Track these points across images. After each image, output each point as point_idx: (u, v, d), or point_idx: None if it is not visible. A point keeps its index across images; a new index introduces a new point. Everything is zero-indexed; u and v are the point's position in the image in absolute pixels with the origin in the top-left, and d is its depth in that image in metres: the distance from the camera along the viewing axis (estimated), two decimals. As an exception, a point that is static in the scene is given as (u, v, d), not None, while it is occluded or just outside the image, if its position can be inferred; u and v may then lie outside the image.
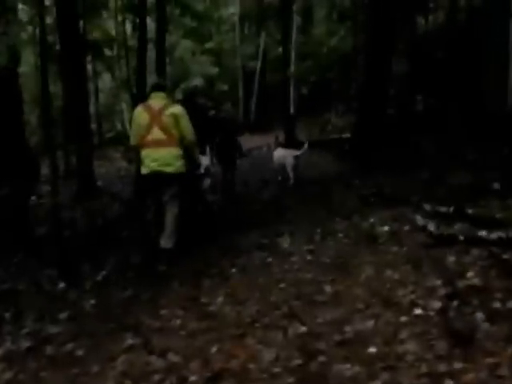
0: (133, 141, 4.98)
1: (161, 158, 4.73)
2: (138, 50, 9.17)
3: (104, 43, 15.94)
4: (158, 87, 5.03)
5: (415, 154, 8.47)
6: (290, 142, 15.29)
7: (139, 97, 8.65)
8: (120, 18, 16.38)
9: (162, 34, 11.49)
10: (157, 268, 4.98)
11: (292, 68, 18.13)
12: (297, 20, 18.01)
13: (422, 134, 9.25)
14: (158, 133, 4.73)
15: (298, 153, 9.15)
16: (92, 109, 25.88)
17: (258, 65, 24.64)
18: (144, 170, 4.86)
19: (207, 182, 7.22)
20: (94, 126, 25.09)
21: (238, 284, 4.20)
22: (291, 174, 8.92)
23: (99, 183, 10.72)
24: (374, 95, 9.43)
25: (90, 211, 7.90)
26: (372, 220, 5.32)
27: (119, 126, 22.40)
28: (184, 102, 6.13)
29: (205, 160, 6.81)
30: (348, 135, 14.67)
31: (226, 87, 25.09)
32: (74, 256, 5.62)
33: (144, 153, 4.81)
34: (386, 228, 4.96)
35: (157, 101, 4.86)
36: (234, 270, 4.60)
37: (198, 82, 22.21)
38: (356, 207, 6.15)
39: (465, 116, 8.72)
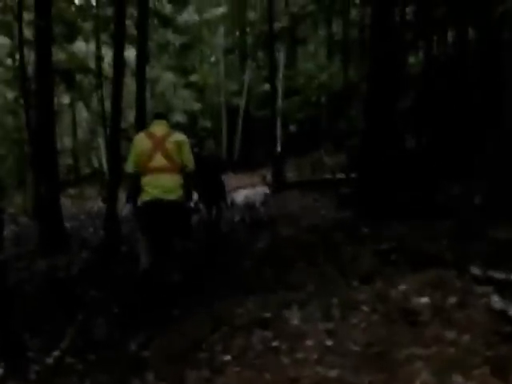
0: (130, 168, 4.79)
1: (163, 184, 4.63)
2: (113, 80, 8.08)
3: (78, 72, 14.69)
4: (159, 116, 5.02)
5: (434, 198, 7.44)
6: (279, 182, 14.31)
7: (114, 132, 7.56)
8: (95, 44, 15.24)
9: (143, 64, 10.52)
10: (127, 347, 4.01)
11: (279, 104, 17.28)
12: (283, 54, 17.26)
13: (438, 173, 8.27)
14: (161, 159, 4.64)
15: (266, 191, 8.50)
16: (68, 143, 25.02)
17: (243, 101, 24.00)
18: (144, 198, 4.68)
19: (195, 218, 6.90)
20: (69, 161, 24.19)
21: (234, 382, 3.03)
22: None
23: (68, 226, 9.52)
24: (380, 130, 8.44)
25: (51, 264, 6.68)
26: (403, 287, 4.18)
27: (96, 163, 21.25)
28: None
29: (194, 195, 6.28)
30: (342, 175, 13.76)
31: (209, 124, 24.24)
32: (19, 329, 4.39)
33: (145, 180, 4.68)
34: (426, 300, 3.83)
35: (159, 128, 4.80)
36: (227, 356, 3.43)
37: (180, 117, 21.32)
38: (374, 266, 5.03)
39: (484, 152, 7.74)
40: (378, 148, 8.34)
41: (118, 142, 7.54)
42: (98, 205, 14.68)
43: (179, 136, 4.83)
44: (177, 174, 4.70)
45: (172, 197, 4.66)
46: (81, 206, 14.21)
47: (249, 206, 10.90)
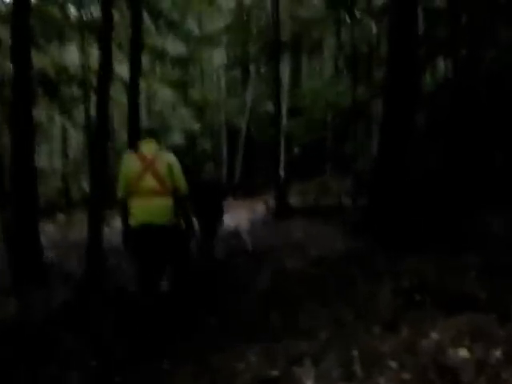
0: (120, 192, 4.64)
1: (153, 208, 4.51)
2: (98, 90, 7.39)
3: (62, 82, 13.91)
4: (149, 133, 4.82)
5: (459, 226, 6.91)
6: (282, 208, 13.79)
7: (98, 149, 7.00)
8: (81, 50, 14.45)
9: (136, 74, 10.11)
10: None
11: (283, 124, 16.88)
12: (288, 70, 16.89)
13: (464, 198, 7.76)
14: (151, 181, 4.51)
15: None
16: (57, 165, 24.52)
17: (244, 121, 23.52)
18: (133, 222, 4.53)
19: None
20: (59, 184, 23.67)
21: None
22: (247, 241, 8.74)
23: (50, 256, 8.90)
24: (397, 151, 7.97)
25: (23, 304, 6.05)
26: (434, 336, 3.65)
27: (87, 187, 20.69)
28: None
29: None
30: (349, 201, 13.27)
31: (208, 145, 23.77)
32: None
33: (134, 203, 4.53)
34: (465, 353, 3.30)
35: (149, 148, 4.65)
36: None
37: (177, 138, 20.85)
38: (397, 308, 4.48)
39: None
40: (395, 170, 7.86)
41: (102, 160, 6.93)
42: (84, 233, 14.14)
43: (170, 157, 4.68)
44: (168, 197, 4.56)
45: (162, 221, 4.52)
46: (68, 234, 13.58)
47: (249, 233, 10.33)
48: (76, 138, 22.93)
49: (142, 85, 24.13)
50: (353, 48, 16.25)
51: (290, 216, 13.07)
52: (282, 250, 8.46)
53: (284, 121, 18.05)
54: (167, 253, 4.66)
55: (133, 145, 8.07)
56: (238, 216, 14.68)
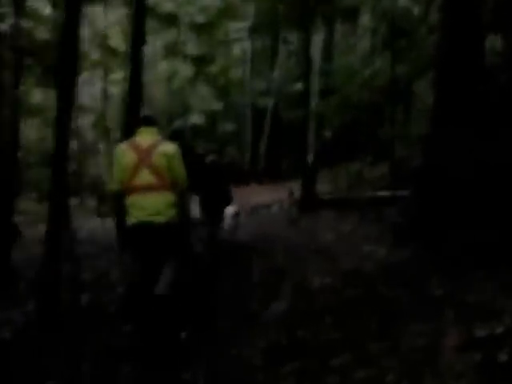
0: (113, 186, 4.36)
1: (150, 205, 4.20)
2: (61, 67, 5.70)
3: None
4: (147, 120, 4.48)
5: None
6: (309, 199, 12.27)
7: (61, 131, 5.51)
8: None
9: (139, 43, 8.73)
10: None
11: (313, 105, 15.28)
12: (321, 45, 15.24)
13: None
14: (147, 176, 4.21)
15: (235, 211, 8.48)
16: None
17: (271, 102, 21.99)
18: (129, 221, 4.24)
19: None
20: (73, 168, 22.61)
21: None
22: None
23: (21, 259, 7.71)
24: (451, 142, 6.40)
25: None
26: None
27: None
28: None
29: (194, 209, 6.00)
30: (386, 193, 11.64)
31: (231, 127, 22.18)
32: None
33: (129, 200, 4.24)
34: None
35: (146, 137, 4.37)
36: None
37: (197, 119, 19.41)
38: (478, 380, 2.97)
39: None
40: (453, 160, 6.28)
41: (63, 143, 5.33)
42: (91, 224, 12.86)
43: (168, 147, 4.34)
44: (166, 192, 4.28)
45: (161, 219, 4.22)
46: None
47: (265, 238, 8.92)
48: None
49: (162, 63, 23.24)
50: (392, 20, 14.48)
51: (318, 209, 11.57)
52: (306, 256, 7.02)
53: (314, 101, 16.43)
54: (165, 255, 4.30)
55: (130, 126, 7.17)
56: (266, 208, 13.38)
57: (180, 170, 4.35)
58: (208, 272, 6.63)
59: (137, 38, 9.26)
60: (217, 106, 20.92)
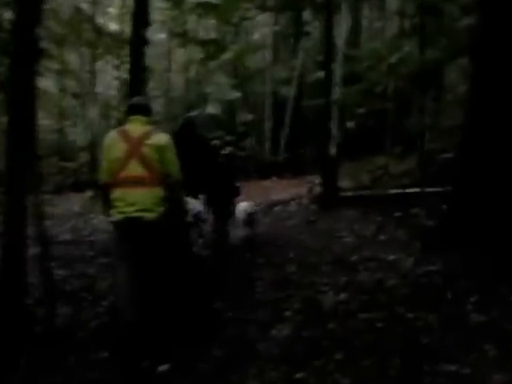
0: (105, 177, 4.07)
1: (139, 200, 3.93)
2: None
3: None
4: (138, 108, 4.24)
5: None
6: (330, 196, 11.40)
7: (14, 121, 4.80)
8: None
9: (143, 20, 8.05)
10: None
11: (336, 93, 14.36)
12: (345, 28, 14.26)
13: None
14: (136, 168, 3.95)
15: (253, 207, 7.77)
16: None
17: (292, 91, 20.96)
18: (115, 217, 3.97)
19: (197, 233, 5.63)
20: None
21: None
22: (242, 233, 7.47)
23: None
24: (492, 133, 5.52)
25: None
26: None
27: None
28: (179, 135, 5.90)
29: (195, 204, 5.57)
30: (414, 190, 10.73)
31: (249, 117, 21.28)
32: None
33: (116, 194, 3.97)
34: None
35: (136, 126, 4.12)
36: None
37: (214, 108, 18.63)
38: None
39: None
40: (494, 155, 5.41)
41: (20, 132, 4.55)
42: (91, 221, 12.19)
43: (160, 137, 4.11)
44: (156, 186, 4.04)
45: (150, 216, 3.97)
46: (62, 223, 11.67)
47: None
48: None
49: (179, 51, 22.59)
50: (421, 0, 13.45)
51: (338, 207, 10.72)
52: (320, 265, 6.20)
53: (337, 89, 15.48)
54: (154, 259, 3.99)
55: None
56: (283, 206, 12.56)
57: (172, 162, 4.12)
58: (209, 283, 5.85)
59: (138, 18, 8.56)
60: (235, 95, 20.05)
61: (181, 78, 22.67)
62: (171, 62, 22.91)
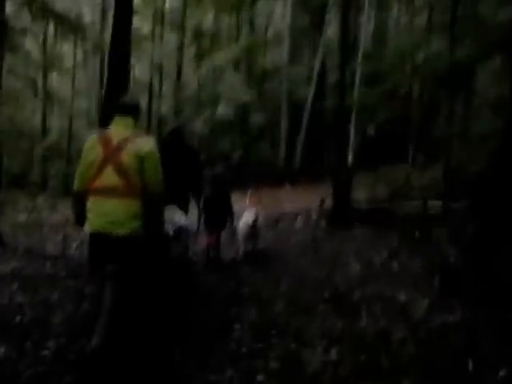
0: (78, 185, 3.94)
1: (110, 212, 3.76)
2: None
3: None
4: (126, 108, 4.02)
5: None
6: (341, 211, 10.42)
7: None
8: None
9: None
10: None
11: (355, 95, 13.41)
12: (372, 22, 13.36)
13: None
14: (111, 176, 3.76)
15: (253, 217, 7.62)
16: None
17: (311, 92, 20.13)
18: (87, 228, 3.87)
19: (179, 248, 5.45)
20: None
21: None
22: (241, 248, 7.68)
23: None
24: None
25: None
26: None
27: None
28: (167, 142, 5.96)
29: (179, 218, 5.33)
30: (438, 205, 9.74)
31: (262, 119, 20.42)
32: None
33: (89, 204, 3.84)
34: None
35: (119, 129, 3.92)
36: None
37: (224, 109, 17.82)
38: None
39: None
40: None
41: None
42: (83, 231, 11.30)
43: (143, 144, 3.84)
44: (134, 198, 3.80)
45: (122, 231, 3.72)
46: (57, 232, 10.86)
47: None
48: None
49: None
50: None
51: (351, 223, 9.75)
52: (316, 304, 5.23)
53: (357, 90, 14.55)
54: (126, 278, 3.77)
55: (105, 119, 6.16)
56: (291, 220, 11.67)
57: (154, 173, 3.88)
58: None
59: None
60: (247, 95, 19.21)
61: (194, 75, 21.93)
62: (183, 58, 22.15)
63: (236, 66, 19.98)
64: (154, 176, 3.87)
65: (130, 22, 7.86)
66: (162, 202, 4.11)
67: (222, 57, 18.41)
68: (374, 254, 7.42)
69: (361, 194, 12.13)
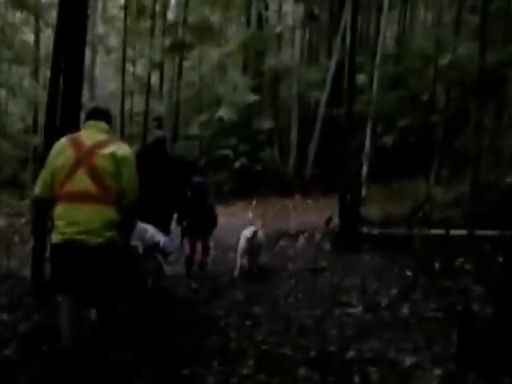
0: (40, 190, 3.81)
1: (83, 220, 3.64)
2: None
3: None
4: (96, 113, 4.04)
5: None
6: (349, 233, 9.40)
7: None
8: None
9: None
10: None
11: (373, 99, 12.46)
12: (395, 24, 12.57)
13: None
14: (83, 181, 3.68)
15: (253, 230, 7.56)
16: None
17: (325, 96, 19.36)
18: (55, 238, 3.69)
19: (152, 264, 5.30)
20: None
21: None
22: (238, 264, 7.52)
23: None
24: None
25: None
26: None
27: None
28: (148, 153, 6.16)
29: (154, 234, 5.23)
30: (464, 232, 8.71)
31: (269, 124, 19.67)
32: None
33: (57, 211, 3.71)
34: None
35: (91, 133, 3.90)
36: None
37: (225, 112, 17.07)
38: None
39: None
40: None
41: None
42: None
43: (118, 148, 3.80)
44: (108, 205, 3.72)
45: (96, 240, 3.62)
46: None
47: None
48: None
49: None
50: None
51: (358, 247, 8.77)
52: (296, 361, 4.24)
53: (374, 96, 13.61)
54: (100, 292, 3.72)
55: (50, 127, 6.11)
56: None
57: (130, 178, 3.83)
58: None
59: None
60: (252, 97, 18.52)
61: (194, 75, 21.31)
62: (184, 56, 21.52)
63: (242, 65, 19.25)
64: (129, 182, 3.80)
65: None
66: (136, 212, 4.02)
67: (223, 51, 17.79)
68: (381, 289, 6.40)
69: (373, 211, 11.13)
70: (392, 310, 5.55)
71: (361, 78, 15.38)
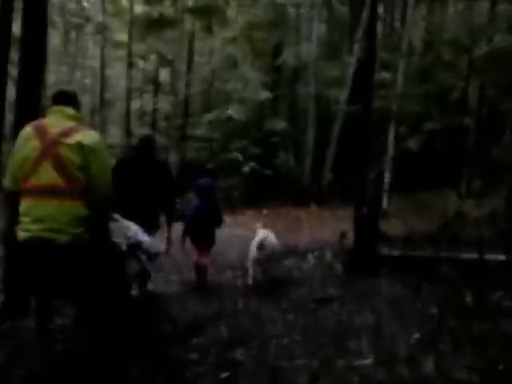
0: (9, 183, 3.86)
1: (49, 216, 3.64)
2: None
3: None
4: (64, 97, 3.99)
5: None
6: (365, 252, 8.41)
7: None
8: None
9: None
10: None
11: (397, 95, 11.60)
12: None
13: None
14: (48, 173, 3.66)
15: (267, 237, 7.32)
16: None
17: (345, 94, 18.84)
18: (20, 235, 3.70)
19: (136, 266, 5.23)
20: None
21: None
22: (250, 274, 7.30)
23: None
24: None
25: None
26: None
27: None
28: (137, 154, 6.36)
29: (137, 232, 5.15)
30: (501, 256, 7.73)
31: (283, 125, 19.10)
32: None
33: (22, 206, 3.74)
34: None
35: (57, 120, 3.85)
36: None
37: (235, 111, 16.46)
38: None
39: None
40: None
41: None
42: None
43: (87, 137, 3.78)
44: (74, 200, 3.71)
45: (63, 238, 3.63)
46: None
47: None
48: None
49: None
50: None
51: (376, 271, 7.79)
52: None
53: (398, 95, 12.74)
54: (68, 294, 3.79)
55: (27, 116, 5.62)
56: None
57: (101, 171, 3.80)
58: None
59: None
60: (265, 95, 18.11)
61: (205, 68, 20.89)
62: (193, 48, 21.02)
63: (253, 58, 18.73)
64: (99, 174, 3.77)
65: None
66: (109, 206, 4.06)
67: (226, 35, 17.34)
68: (400, 333, 5.31)
69: (394, 227, 10.23)
70: (412, 365, 4.47)
71: (385, 75, 14.71)
